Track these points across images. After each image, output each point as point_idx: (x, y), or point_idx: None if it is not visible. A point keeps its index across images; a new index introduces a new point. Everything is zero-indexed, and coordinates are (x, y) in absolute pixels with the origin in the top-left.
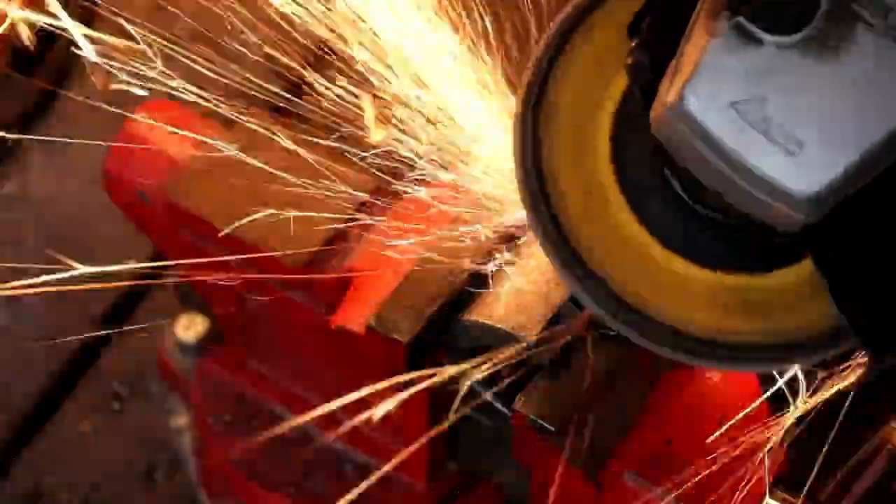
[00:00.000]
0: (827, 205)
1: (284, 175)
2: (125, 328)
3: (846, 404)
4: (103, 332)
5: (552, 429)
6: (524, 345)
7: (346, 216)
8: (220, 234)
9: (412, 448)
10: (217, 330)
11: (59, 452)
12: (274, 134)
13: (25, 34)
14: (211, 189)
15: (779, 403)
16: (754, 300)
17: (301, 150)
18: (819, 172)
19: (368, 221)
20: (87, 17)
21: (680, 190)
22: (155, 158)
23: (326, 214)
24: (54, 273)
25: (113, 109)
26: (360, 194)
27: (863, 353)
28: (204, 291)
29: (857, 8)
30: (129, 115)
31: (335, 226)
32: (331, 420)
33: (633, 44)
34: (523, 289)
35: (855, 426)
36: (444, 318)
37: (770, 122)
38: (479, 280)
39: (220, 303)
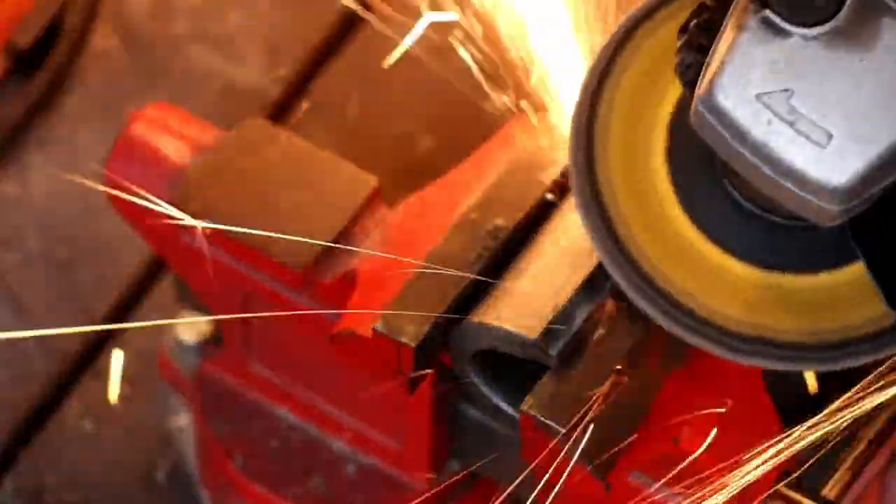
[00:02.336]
0: (860, 196)
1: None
2: (125, 328)
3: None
4: (103, 332)
5: (561, 429)
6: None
7: (349, 217)
8: (222, 238)
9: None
10: (218, 331)
11: (60, 452)
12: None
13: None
14: (212, 193)
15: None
16: (802, 300)
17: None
18: (847, 164)
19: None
20: (87, 16)
21: (730, 187)
22: (155, 163)
23: (329, 216)
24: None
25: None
26: (363, 193)
27: None
28: (205, 295)
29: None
30: (129, 116)
31: (338, 227)
32: (333, 421)
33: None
34: (530, 291)
35: (856, 421)
36: (451, 320)
37: (797, 114)
38: (486, 282)
39: (222, 307)
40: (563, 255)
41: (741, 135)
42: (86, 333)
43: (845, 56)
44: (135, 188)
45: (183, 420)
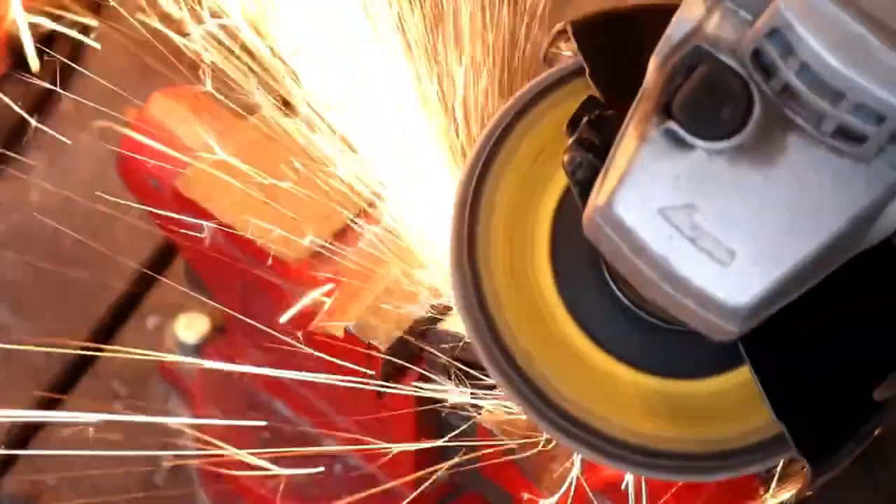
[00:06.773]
0: (759, 317)
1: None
2: (125, 328)
3: None
4: (103, 332)
5: (513, 445)
6: None
7: (354, 212)
8: (223, 227)
9: (400, 454)
10: (218, 326)
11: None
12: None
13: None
14: (217, 179)
15: None
16: (691, 406)
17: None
18: (750, 284)
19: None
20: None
21: (619, 293)
22: (168, 145)
23: (327, 217)
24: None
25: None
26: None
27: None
28: (208, 279)
29: (791, 115)
30: (134, 107)
31: (337, 227)
32: (325, 419)
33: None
34: None
35: None
36: (424, 327)
37: (699, 230)
38: None
39: (223, 293)
40: None
41: (639, 248)
42: (85, 334)
43: (749, 172)
44: (148, 165)
45: (183, 420)
